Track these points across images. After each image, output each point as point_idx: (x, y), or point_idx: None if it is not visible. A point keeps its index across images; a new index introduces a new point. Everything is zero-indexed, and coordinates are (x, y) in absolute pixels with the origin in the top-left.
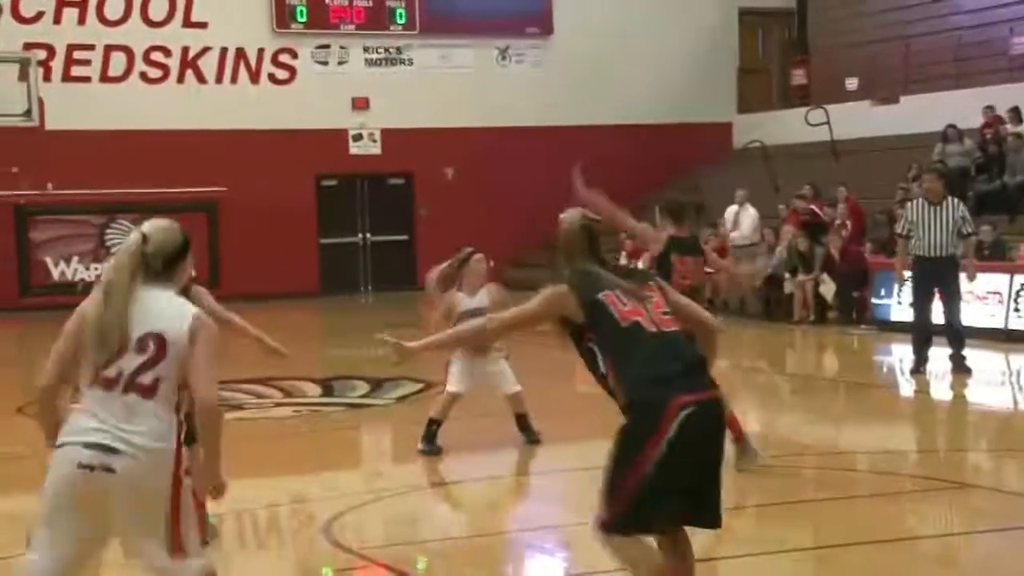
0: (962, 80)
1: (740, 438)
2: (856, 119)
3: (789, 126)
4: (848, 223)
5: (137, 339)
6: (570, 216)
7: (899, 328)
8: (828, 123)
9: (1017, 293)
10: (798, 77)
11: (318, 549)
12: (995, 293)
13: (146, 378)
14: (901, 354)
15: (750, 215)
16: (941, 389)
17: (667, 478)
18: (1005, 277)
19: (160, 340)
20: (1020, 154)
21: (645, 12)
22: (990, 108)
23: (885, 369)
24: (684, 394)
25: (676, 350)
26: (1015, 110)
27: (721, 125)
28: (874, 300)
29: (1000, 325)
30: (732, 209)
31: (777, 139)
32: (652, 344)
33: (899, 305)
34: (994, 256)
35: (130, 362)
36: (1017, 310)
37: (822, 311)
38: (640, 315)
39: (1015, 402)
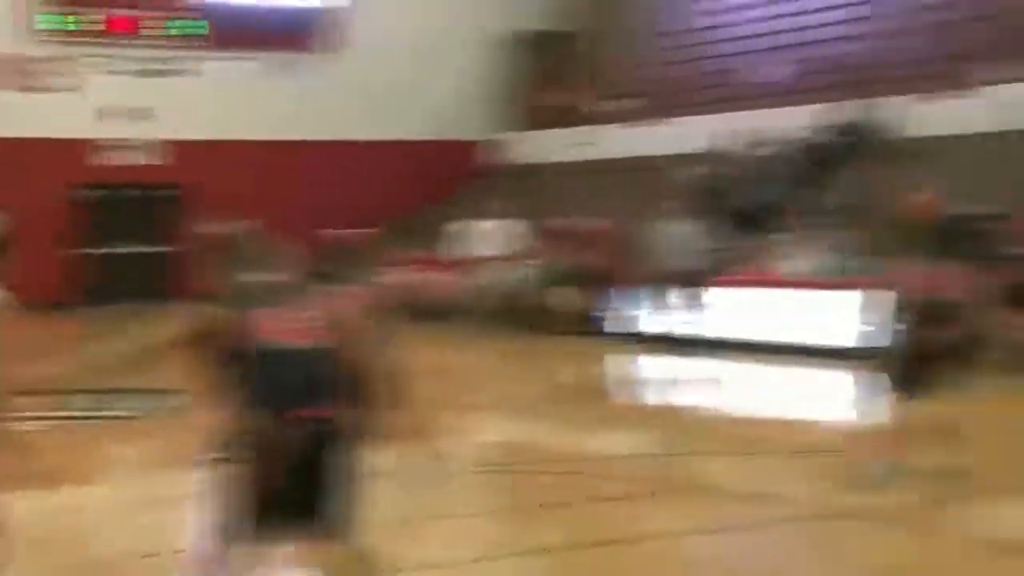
0: (716, 105)
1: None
2: (624, 139)
3: (561, 145)
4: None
5: None
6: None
7: (647, 339)
8: (593, 144)
9: (758, 303)
10: (569, 98)
11: None
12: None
13: None
14: (650, 364)
15: (507, 229)
16: (676, 396)
17: None
18: (749, 289)
19: None
20: (770, 176)
21: (427, 31)
22: (739, 131)
23: (629, 378)
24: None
25: None
26: (762, 133)
27: (492, 143)
28: (629, 313)
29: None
30: (489, 224)
31: (549, 157)
32: None
33: (648, 317)
34: (742, 268)
35: None
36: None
37: (577, 323)
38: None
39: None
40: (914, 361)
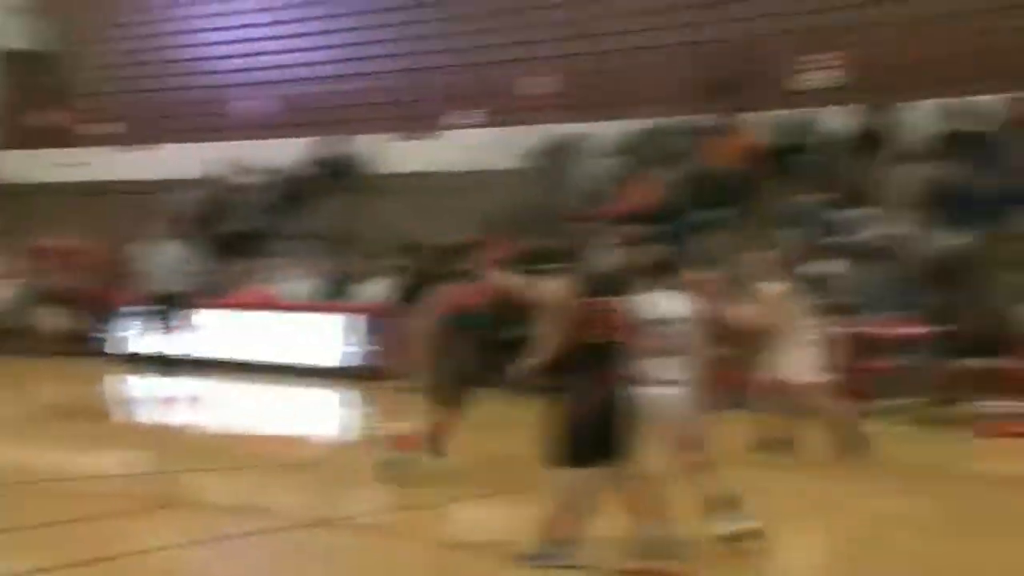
0: (205, 133)
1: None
2: (114, 162)
3: (48, 165)
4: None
5: None
6: None
7: (140, 360)
8: (86, 165)
9: (246, 324)
10: (55, 118)
11: None
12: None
13: None
14: (143, 384)
15: None
16: (168, 415)
17: None
18: (235, 312)
19: None
20: (251, 204)
21: None
22: (225, 161)
23: (121, 397)
24: None
25: None
26: (244, 163)
27: None
28: (122, 333)
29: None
30: None
31: (37, 177)
32: None
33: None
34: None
35: None
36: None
37: (67, 343)
38: None
39: (232, 425)
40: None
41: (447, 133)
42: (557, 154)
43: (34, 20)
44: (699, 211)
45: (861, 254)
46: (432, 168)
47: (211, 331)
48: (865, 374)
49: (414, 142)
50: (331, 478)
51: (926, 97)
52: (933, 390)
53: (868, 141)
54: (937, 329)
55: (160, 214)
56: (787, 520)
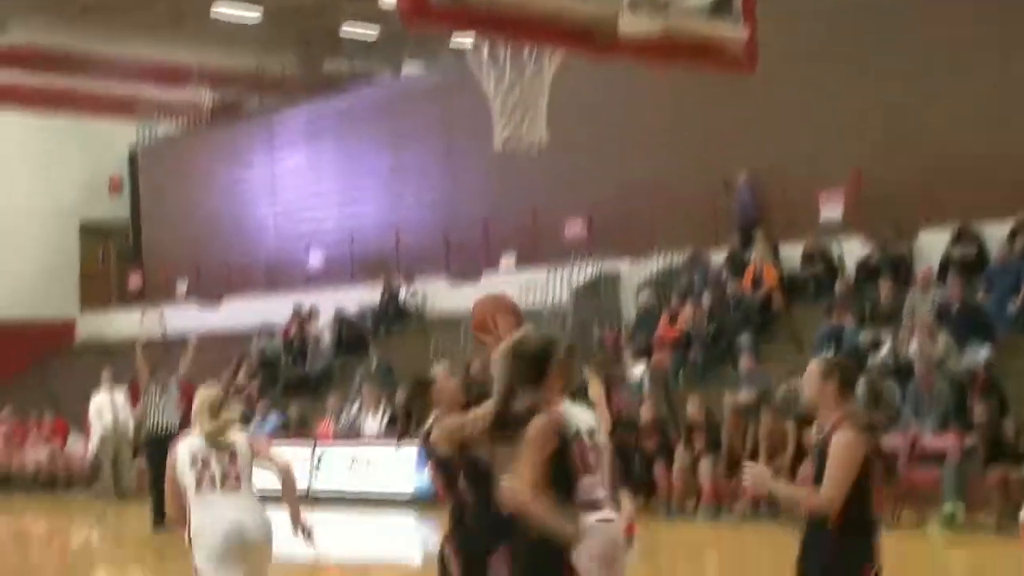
0: (271, 287)
1: None
2: (186, 317)
3: (127, 323)
4: (183, 406)
5: None
6: None
7: None
8: (164, 325)
9: (319, 461)
10: (134, 281)
11: None
12: (301, 461)
13: None
14: None
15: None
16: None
17: None
18: (308, 448)
19: None
20: (318, 347)
21: None
22: (296, 309)
23: None
24: None
25: None
26: (312, 310)
27: (65, 322)
28: None
29: (304, 487)
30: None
31: (116, 334)
32: None
33: None
34: (300, 431)
35: None
36: (317, 475)
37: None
38: None
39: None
40: None
41: (494, 274)
42: (595, 290)
43: (106, 195)
44: (730, 336)
45: (890, 371)
46: None
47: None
48: (909, 484)
49: (466, 285)
50: None
51: (938, 224)
52: (974, 498)
53: (887, 266)
54: (971, 439)
55: (227, 362)
56: None
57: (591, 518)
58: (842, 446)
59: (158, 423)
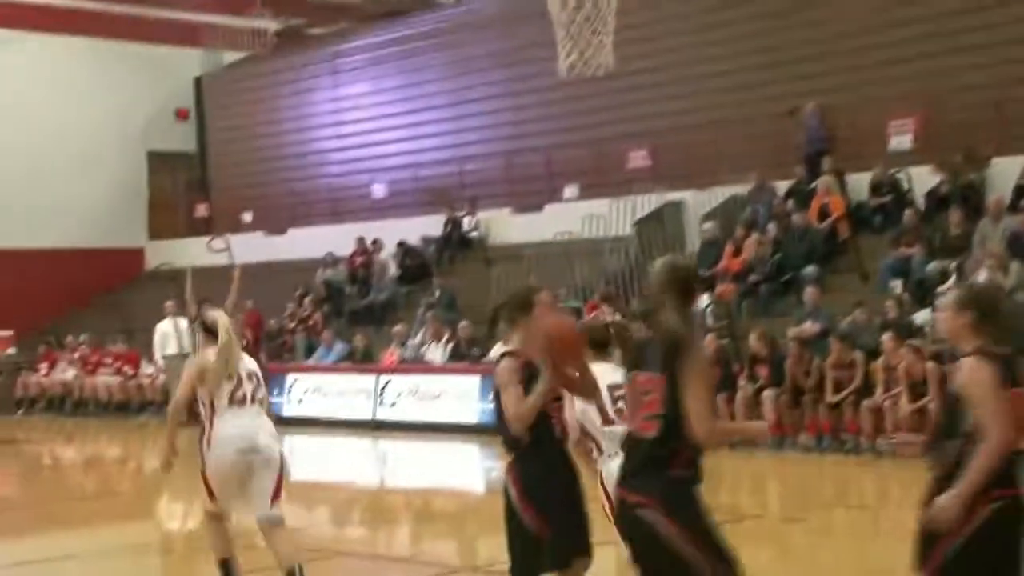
0: (336, 217)
1: None
2: (251, 247)
3: (195, 251)
4: (248, 333)
5: None
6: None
7: (290, 422)
8: (228, 249)
9: (382, 390)
10: (201, 210)
11: None
12: (365, 390)
13: None
14: (292, 444)
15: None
16: (320, 472)
17: None
18: (372, 377)
19: None
20: (384, 277)
21: (64, 149)
22: (359, 239)
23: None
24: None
25: None
26: (376, 241)
27: (134, 250)
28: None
29: (369, 416)
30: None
31: (184, 263)
32: None
33: (289, 403)
34: (365, 360)
35: None
36: (382, 403)
37: None
38: None
39: (382, 480)
40: None
41: (557, 205)
42: (659, 221)
43: (174, 124)
44: (794, 267)
45: None
46: (543, 238)
47: (355, 395)
48: None
49: (528, 215)
50: (477, 528)
51: (1010, 152)
52: None
53: (957, 195)
54: None
55: (292, 291)
56: None
57: None
58: (978, 383)
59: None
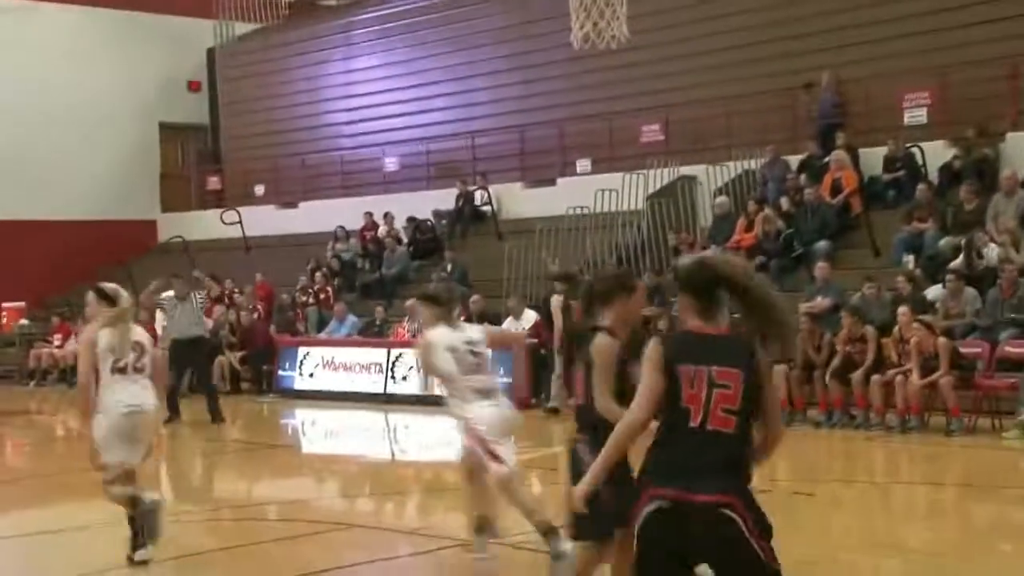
0: (347, 190)
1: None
2: (263, 220)
3: (207, 224)
4: (259, 306)
5: None
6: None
7: (301, 396)
8: (240, 222)
9: (393, 364)
10: (213, 183)
11: None
12: (377, 364)
13: None
14: (303, 418)
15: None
16: (331, 445)
17: None
18: (383, 351)
19: None
20: (395, 251)
21: (76, 119)
22: (369, 214)
23: (289, 431)
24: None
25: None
26: (387, 215)
27: (147, 222)
28: (280, 372)
29: (380, 390)
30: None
31: (196, 235)
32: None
33: (301, 377)
34: (377, 334)
35: None
36: (393, 377)
37: (236, 381)
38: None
39: (392, 453)
40: None
41: (569, 179)
42: (671, 195)
43: (186, 96)
44: (806, 242)
45: (971, 278)
46: (555, 212)
47: (366, 368)
48: (987, 391)
49: (540, 188)
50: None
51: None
52: None
53: (970, 170)
54: None
55: (304, 265)
56: None
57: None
58: None
59: (181, 330)
